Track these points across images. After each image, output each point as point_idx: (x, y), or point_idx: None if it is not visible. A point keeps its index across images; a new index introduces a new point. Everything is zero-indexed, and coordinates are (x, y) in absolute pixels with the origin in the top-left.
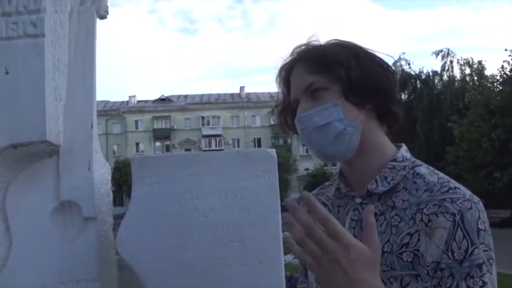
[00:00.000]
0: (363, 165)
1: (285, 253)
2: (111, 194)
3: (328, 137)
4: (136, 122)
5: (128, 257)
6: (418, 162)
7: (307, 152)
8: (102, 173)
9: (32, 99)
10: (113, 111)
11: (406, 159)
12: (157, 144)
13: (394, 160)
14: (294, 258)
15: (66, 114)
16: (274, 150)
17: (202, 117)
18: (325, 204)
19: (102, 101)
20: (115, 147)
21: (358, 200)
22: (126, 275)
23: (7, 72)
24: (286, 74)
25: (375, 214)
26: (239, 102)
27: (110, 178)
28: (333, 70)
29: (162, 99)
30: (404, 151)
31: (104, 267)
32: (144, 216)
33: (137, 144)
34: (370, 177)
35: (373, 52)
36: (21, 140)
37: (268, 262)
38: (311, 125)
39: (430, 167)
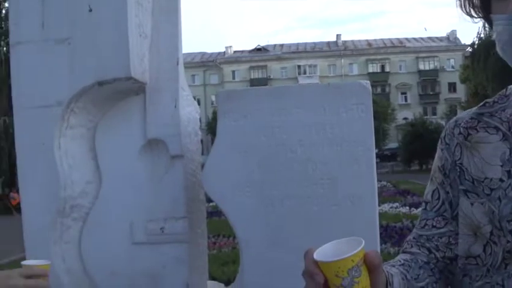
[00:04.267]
0: None
1: (381, 202)
2: (200, 133)
3: None
4: (233, 72)
5: (213, 193)
6: None
7: (405, 100)
8: (190, 111)
9: (115, 35)
10: (210, 62)
11: None
12: None
13: None
14: (391, 207)
15: (151, 52)
16: (368, 82)
17: (299, 66)
18: (498, 129)
19: (200, 53)
20: (213, 98)
21: None
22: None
23: (90, 10)
24: None
25: None
26: (336, 50)
27: (198, 117)
28: None
29: (258, 49)
30: None
31: (192, 205)
32: (230, 152)
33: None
34: None
35: None
36: (107, 77)
37: (360, 204)
38: None
39: None
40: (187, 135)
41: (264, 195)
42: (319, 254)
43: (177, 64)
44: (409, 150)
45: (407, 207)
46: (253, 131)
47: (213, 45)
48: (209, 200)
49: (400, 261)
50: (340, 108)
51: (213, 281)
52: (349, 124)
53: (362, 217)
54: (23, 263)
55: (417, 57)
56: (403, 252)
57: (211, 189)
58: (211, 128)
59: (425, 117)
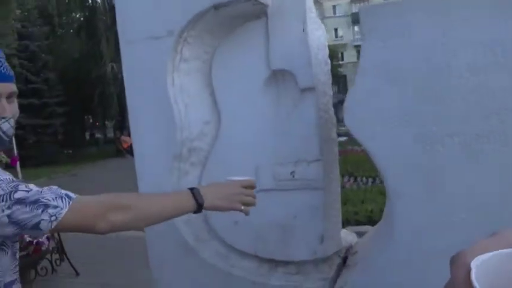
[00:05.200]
0: None
1: None
2: (329, 61)
3: None
4: (334, 7)
5: (357, 131)
6: None
7: None
8: (318, 36)
9: None
10: None
11: None
12: (356, 28)
13: None
14: None
15: None
16: None
17: None
18: None
19: None
20: None
21: None
22: None
23: None
24: None
25: None
26: None
27: (326, 44)
28: None
29: None
30: None
31: (325, 146)
32: (378, 80)
33: (335, 29)
34: None
35: None
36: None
37: None
38: None
39: None
40: (318, 65)
41: (422, 133)
42: (478, 270)
43: None
44: None
45: None
46: (408, 52)
47: None
48: None
49: None
50: None
51: (344, 230)
52: None
53: None
54: (228, 178)
55: None
56: None
57: (354, 125)
58: None
59: None
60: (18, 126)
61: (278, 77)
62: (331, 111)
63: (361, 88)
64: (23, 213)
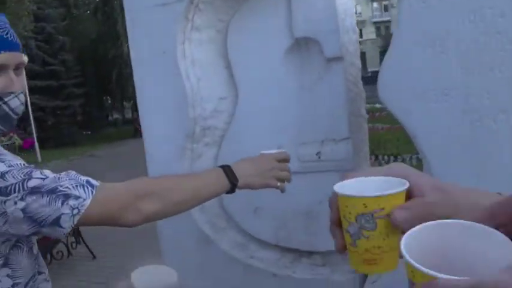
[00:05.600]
0: None
1: None
2: (357, 30)
3: None
4: None
5: (393, 104)
6: None
7: None
8: (346, 1)
9: None
10: None
11: None
12: (375, 5)
13: None
14: None
15: None
16: None
17: None
18: None
19: None
20: None
21: None
22: None
23: None
24: None
25: None
26: None
27: (354, 10)
28: None
29: None
30: None
31: (354, 122)
32: (416, 46)
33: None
34: None
35: None
36: None
37: None
38: None
39: None
40: (346, 32)
41: (468, 107)
42: (344, 185)
43: None
44: None
45: None
46: (452, 14)
47: None
48: None
49: None
50: None
51: None
52: None
53: None
54: (262, 152)
55: None
56: None
57: (389, 97)
58: None
59: None
60: (37, 108)
61: (302, 46)
62: (360, 84)
63: (398, 56)
64: (40, 206)
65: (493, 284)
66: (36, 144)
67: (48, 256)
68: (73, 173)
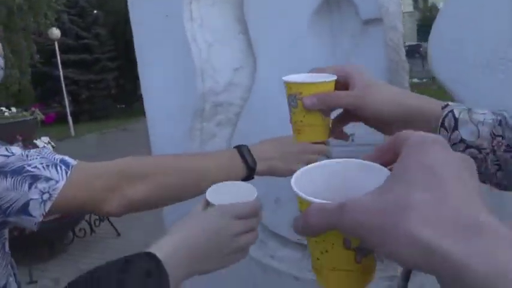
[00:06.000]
0: None
1: None
2: None
3: None
4: None
5: (443, 73)
6: None
7: None
8: None
9: None
10: None
11: None
12: None
13: None
14: None
15: None
16: None
17: None
18: None
19: None
20: None
21: None
22: None
23: None
24: None
25: None
26: None
27: None
28: None
29: None
30: None
31: None
32: (469, 12)
33: None
34: None
35: None
36: None
37: None
38: None
39: None
40: None
41: None
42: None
43: None
44: None
45: None
46: None
47: None
48: None
49: None
50: None
51: None
52: None
53: None
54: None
55: None
56: None
57: (440, 66)
58: None
59: None
60: (71, 82)
61: (332, 6)
62: (403, 52)
63: (448, 20)
64: (3, 190)
65: (358, 202)
66: (70, 118)
67: (71, 234)
68: (46, 150)
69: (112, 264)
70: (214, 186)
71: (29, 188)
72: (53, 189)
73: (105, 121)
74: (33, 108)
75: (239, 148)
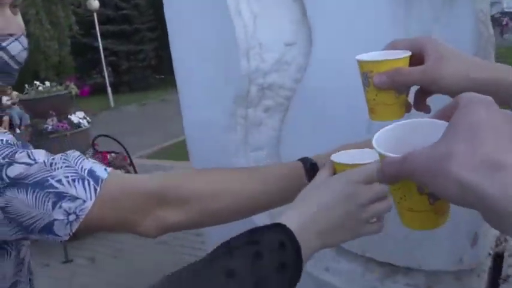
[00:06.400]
0: None
1: None
2: None
3: None
4: None
5: None
6: None
7: None
8: None
9: None
10: None
11: None
12: None
13: None
14: None
15: None
16: None
17: None
18: None
19: None
20: None
21: None
22: None
23: None
24: None
25: None
26: None
27: None
28: None
29: None
30: None
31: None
32: None
33: None
34: None
35: None
36: None
37: None
38: None
39: None
40: None
41: None
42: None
43: None
44: None
45: None
46: None
47: None
48: None
49: None
50: None
51: None
52: None
53: None
54: (333, 157)
55: None
56: None
57: None
58: None
59: None
60: (110, 53)
61: None
62: (491, 26)
63: None
64: (24, 206)
65: (417, 153)
66: (109, 89)
67: None
68: (73, 154)
69: (239, 238)
70: (335, 155)
71: (53, 207)
72: (80, 210)
73: (144, 92)
74: (67, 82)
75: (306, 166)
